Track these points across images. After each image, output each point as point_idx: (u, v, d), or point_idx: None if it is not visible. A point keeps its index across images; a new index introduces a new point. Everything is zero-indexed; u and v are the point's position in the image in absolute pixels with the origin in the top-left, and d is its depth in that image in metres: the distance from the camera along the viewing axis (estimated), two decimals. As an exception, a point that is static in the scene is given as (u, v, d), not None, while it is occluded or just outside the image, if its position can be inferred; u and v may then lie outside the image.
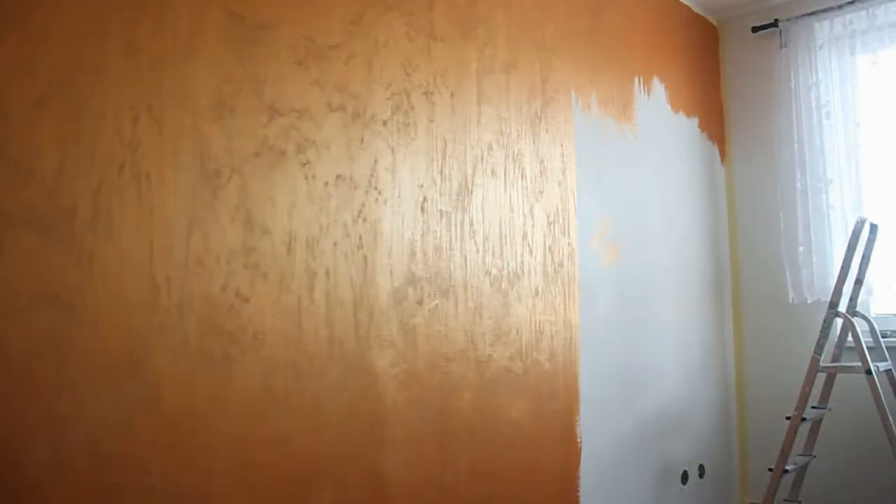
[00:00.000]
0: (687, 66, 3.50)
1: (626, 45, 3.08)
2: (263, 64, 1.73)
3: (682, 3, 3.54)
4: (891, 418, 2.69)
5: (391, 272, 1.98)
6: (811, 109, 3.35)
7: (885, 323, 3.27)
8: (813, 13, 3.39)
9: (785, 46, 3.48)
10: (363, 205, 1.92)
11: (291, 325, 1.73)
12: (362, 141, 1.94)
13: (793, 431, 2.76)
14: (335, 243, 1.84)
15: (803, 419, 2.77)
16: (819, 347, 2.83)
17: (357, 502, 1.84)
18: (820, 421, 2.97)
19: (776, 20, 3.51)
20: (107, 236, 1.43)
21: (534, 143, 2.52)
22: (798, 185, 3.35)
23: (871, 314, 3.32)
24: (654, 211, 3.12)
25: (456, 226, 2.19)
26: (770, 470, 2.83)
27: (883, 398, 2.67)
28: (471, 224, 2.24)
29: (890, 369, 2.83)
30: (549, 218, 2.55)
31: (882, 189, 3.25)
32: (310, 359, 1.76)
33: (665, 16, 3.40)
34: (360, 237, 1.90)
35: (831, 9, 3.34)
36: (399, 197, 2.02)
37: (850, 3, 3.28)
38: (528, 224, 2.45)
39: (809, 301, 3.27)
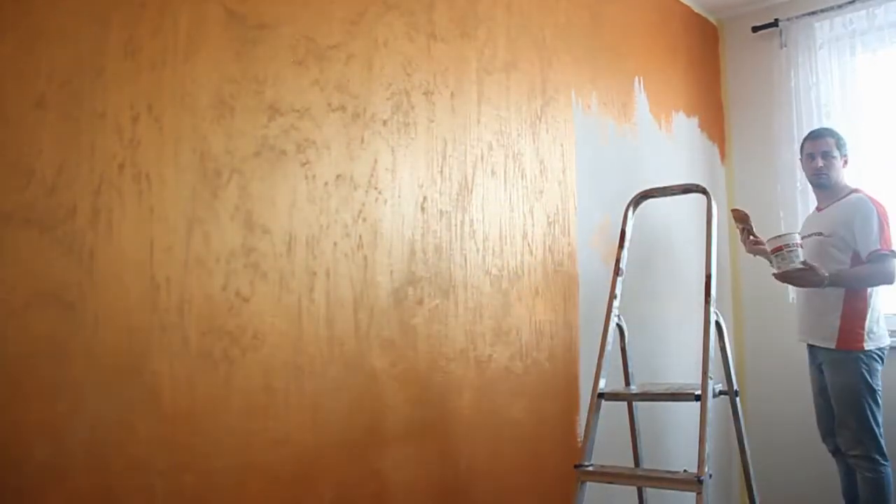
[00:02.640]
0: (687, 66, 3.50)
1: (626, 44, 3.08)
2: (263, 64, 1.73)
3: (682, 3, 3.54)
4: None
5: (391, 272, 1.98)
6: (811, 109, 3.36)
7: (886, 323, 3.27)
8: (813, 13, 3.40)
9: (785, 46, 3.48)
10: (363, 205, 1.92)
11: (291, 325, 1.73)
12: (362, 141, 1.94)
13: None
14: (335, 243, 1.84)
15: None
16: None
17: (357, 502, 1.84)
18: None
19: (776, 20, 3.51)
20: (107, 236, 1.43)
21: (534, 143, 2.52)
22: (798, 184, 3.36)
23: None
24: (653, 211, 3.12)
25: (456, 226, 2.19)
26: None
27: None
28: (471, 224, 2.24)
29: None
30: (549, 218, 2.55)
31: (882, 189, 3.25)
32: (310, 359, 1.76)
33: (665, 16, 3.40)
34: (360, 237, 1.90)
35: (831, 9, 3.35)
36: (399, 197, 2.02)
37: (850, 3, 3.28)
38: (528, 224, 2.45)
39: (810, 301, 3.28)
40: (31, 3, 1.37)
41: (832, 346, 2.71)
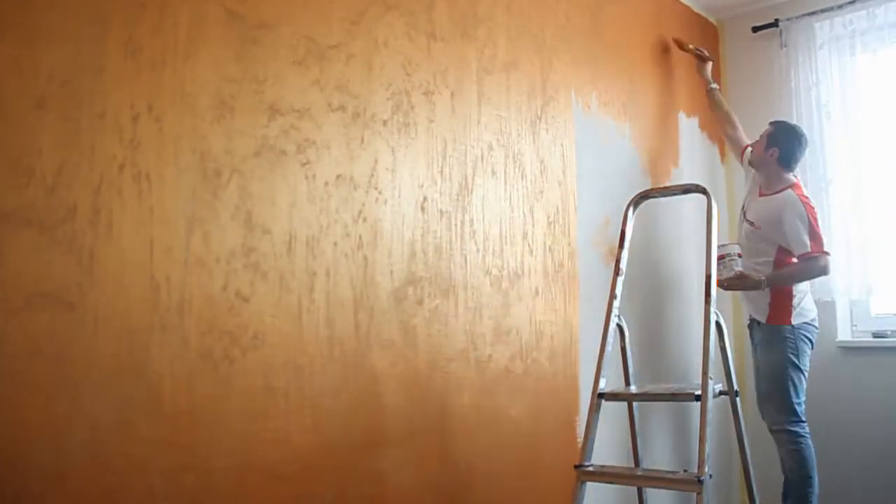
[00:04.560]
0: (687, 66, 3.50)
1: (626, 44, 3.08)
2: (263, 64, 1.73)
3: (682, 3, 3.54)
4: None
5: (391, 272, 1.98)
6: (811, 109, 3.35)
7: (886, 323, 3.28)
8: (813, 13, 3.39)
9: (785, 46, 3.48)
10: (363, 205, 1.92)
11: (291, 325, 1.73)
12: (362, 141, 1.94)
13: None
14: (335, 243, 1.84)
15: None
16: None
17: (357, 502, 1.84)
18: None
19: (776, 20, 3.51)
20: (107, 236, 1.43)
21: (534, 143, 2.52)
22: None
23: (872, 314, 3.33)
24: (653, 211, 3.12)
25: (456, 226, 2.19)
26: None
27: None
28: (471, 224, 2.24)
29: None
30: (549, 218, 2.55)
31: (882, 189, 3.25)
32: (310, 359, 1.76)
33: (665, 15, 3.40)
34: (360, 237, 1.90)
35: (831, 9, 3.34)
36: (399, 197, 2.02)
37: (851, 3, 3.28)
38: (528, 224, 2.45)
39: (809, 301, 3.28)
40: (31, 3, 1.37)
41: (763, 319, 2.96)
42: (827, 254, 2.82)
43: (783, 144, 2.99)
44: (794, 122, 3.36)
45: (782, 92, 3.46)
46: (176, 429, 1.50)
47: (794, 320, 2.89)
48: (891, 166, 3.23)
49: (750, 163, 3.15)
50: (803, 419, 2.86)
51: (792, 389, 2.85)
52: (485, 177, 2.31)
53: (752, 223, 3.03)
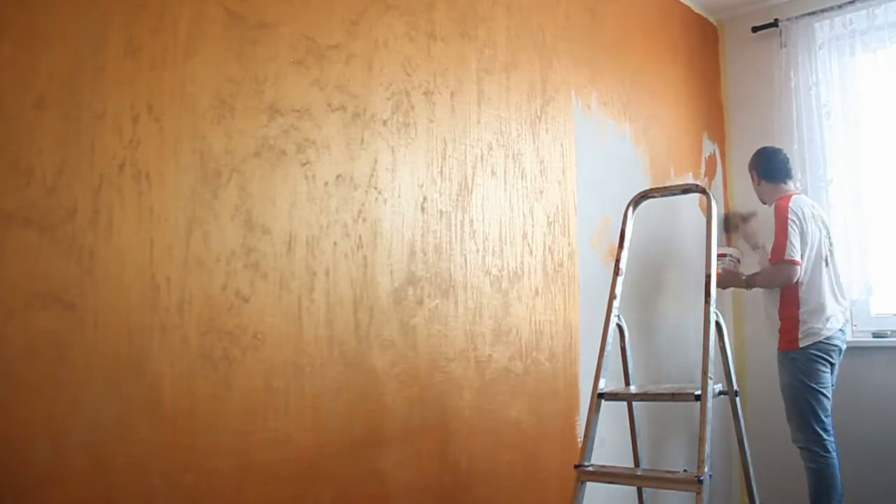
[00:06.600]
0: (687, 66, 3.50)
1: (626, 45, 3.08)
2: (263, 64, 1.73)
3: (682, 3, 3.54)
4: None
5: (391, 272, 1.98)
6: (811, 109, 3.35)
7: (885, 323, 3.28)
8: (813, 13, 3.39)
9: (785, 46, 3.48)
10: (363, 205, 1.92)
11: (291, 325, 1.73)
12: (362, 141, 1.94)
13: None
14: (335, 243, 1.84)
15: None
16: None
17: (357, 502, 1.84)
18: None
19: (776, 20, 3.51)
20: (107, 236, 1.43)
21: (534, 143, 2.52)
22: (798, 184, 3.36)
23: (872, 314, 3.33)
24: (653, 210, 3.12)
25: (456, 226, 2.19)
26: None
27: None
28: (471, 224, 2.24)
29: None
30: (549, 218, 2.55)
31: (882, 189, 3.25)
32: (310, 359, 1.76)
33: (665, 16, 3.40)
34: (360, 237, 1.90)
35: (831, 9, 3.34)
36: (399, 197, 2.02)
37: (851, 3, 3.28)
38: (528, 224, 2.45)
39: (809, 301, 3.27)
40: (31, 3, 1.37)
41: (777, 346, 3.01)
42: (787, 261, 2.87)
43: (757, 166, 3.16)
44: (793, 121, 3.38)
45: (782, 92, 3.46)
46: (176, 429, 1.50)
47: (801, 344, 2.91)
48: (891, 166, 3.23)
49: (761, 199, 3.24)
50: (825, 438, 2.85)
51: (808, 410, 2.86)
52: (485, 177, 2.31)
53: (757, 244, 3.22)
